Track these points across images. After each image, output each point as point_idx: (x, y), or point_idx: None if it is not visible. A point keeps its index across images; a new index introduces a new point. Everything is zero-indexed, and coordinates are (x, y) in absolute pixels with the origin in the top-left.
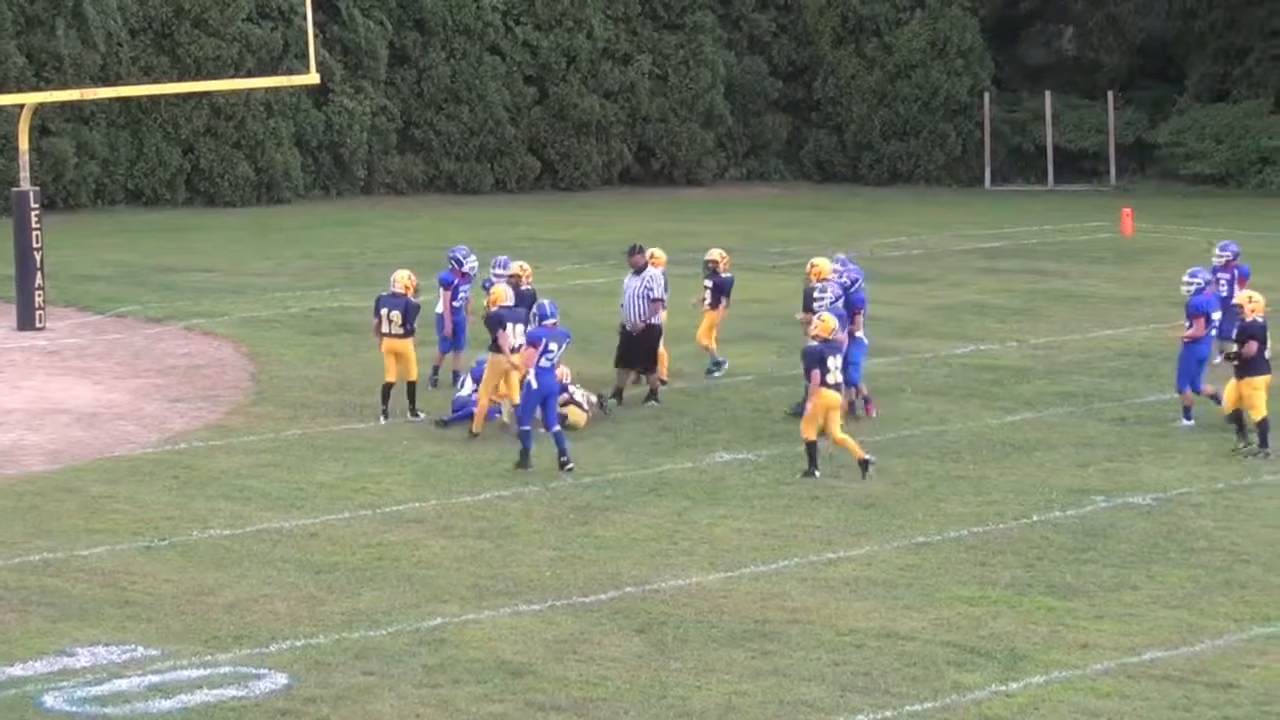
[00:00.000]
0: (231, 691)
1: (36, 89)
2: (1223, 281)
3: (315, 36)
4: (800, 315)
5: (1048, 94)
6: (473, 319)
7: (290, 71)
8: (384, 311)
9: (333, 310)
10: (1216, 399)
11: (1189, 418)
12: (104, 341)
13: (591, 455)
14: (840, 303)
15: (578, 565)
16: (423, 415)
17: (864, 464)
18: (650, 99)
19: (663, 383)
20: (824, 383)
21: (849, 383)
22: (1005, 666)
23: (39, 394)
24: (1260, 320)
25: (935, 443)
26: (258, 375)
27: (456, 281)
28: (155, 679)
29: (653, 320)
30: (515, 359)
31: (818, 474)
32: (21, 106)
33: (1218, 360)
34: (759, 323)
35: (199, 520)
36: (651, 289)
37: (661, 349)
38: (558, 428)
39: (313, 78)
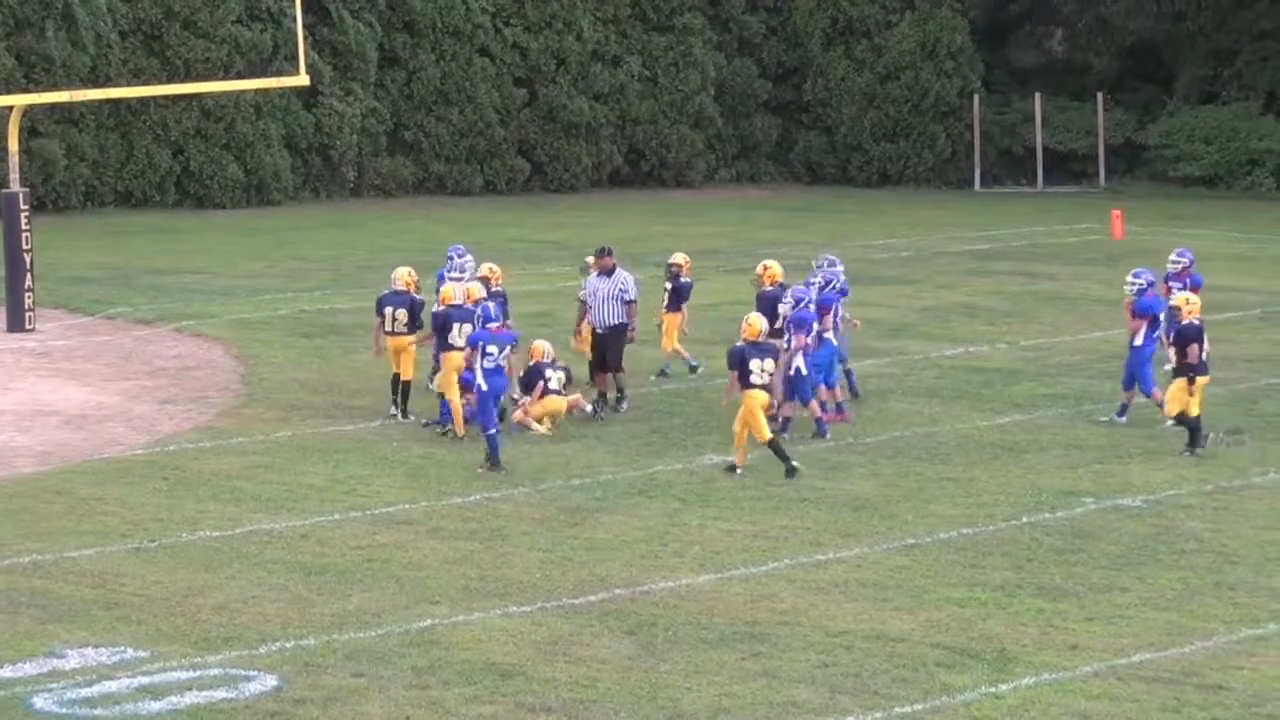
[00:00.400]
0: (221, 693)
1: (26, 90)
2: (1175, 290)
3: (305, 38)
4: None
5: (1037, 96)
6: None
7: (280, 73)
8: (388, 310)
9: (322, 312)
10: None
11: (1122, 415)
12: (94, 343)
13: (582, 457)
14: (810, 305)
15: (568, 567)
16: (413, 417)
17: (732, 468)
18: (640, 101)
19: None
20: (750, 383)
21: (826, 385)
22: (995, 668)
23: (29, 395)
24: (1196, 322)
25: (925, 444)
26: (247, 377)
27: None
28: (145, 680)
29: (628, 321)
30: (458, 357)
31: (796, 464)
32: (11, 108)
33: (1168, 367)
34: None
35: (189, 522)
36: (626, 291)
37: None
38: (493, 430)
39: (302, 80)
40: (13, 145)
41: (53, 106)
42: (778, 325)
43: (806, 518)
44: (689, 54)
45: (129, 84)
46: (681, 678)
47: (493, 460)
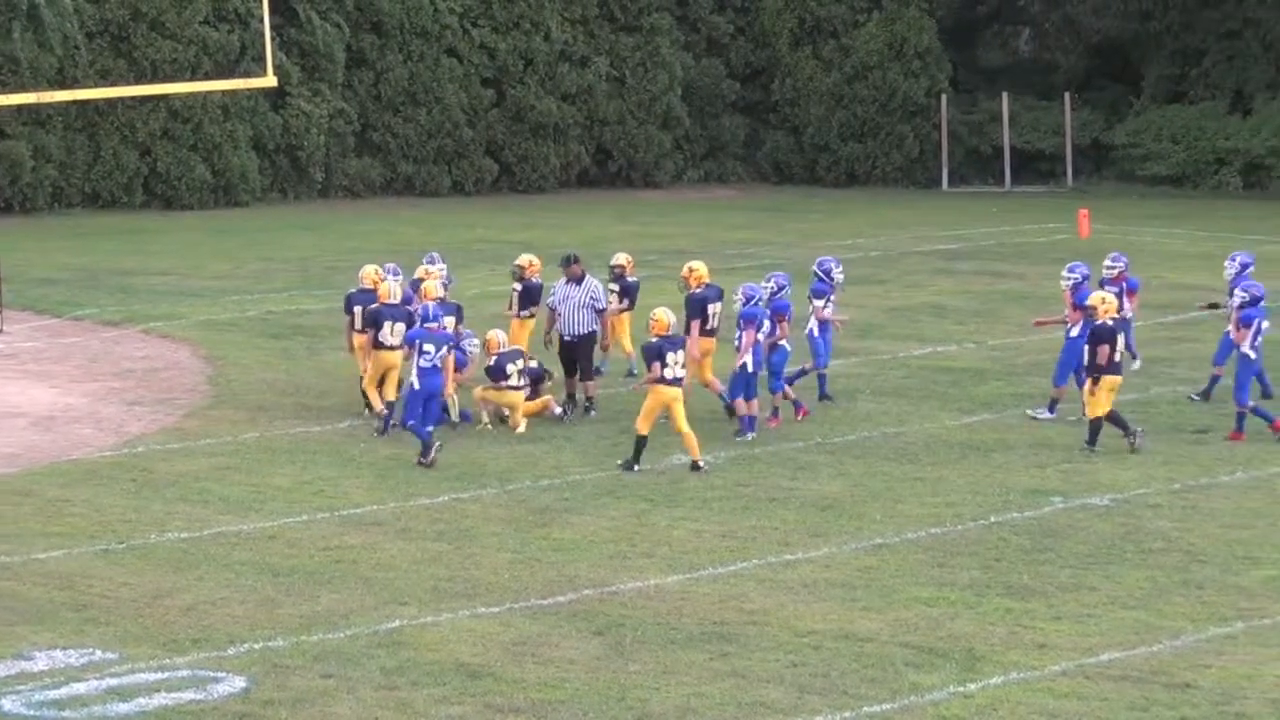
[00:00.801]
0: (189, 695)
1: None
2: (1112, 293)
3: (272, 39)
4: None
5: (1004, 95)
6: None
7: (247, 74)
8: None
9: (290, 313)
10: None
11: (1053, 411)
12: (61, 345)
13: (550, 458)
14: (759, 302)
15: (536, 567)
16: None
17: (695, 466)
18: (608, 101)
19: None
20: (663, 378)
21: (771, 390)
22: (963, 667)
23: None
24: (1109, 323)
25: (893, 444)
26: (215, 378)
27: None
28: (113, 682)
29: (598, 329)
30: (394, 356)
31: (637, 469)
32: None
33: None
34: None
35: (156, 523)
36: (598, 300)
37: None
38: (430, 429)
39: (270, 80)
40: None
41: (19, 108)
42: (710, 326)
43: (775, 518)
44: (657, 54)
45: (96, 85)
46: (650, 678)
47: (424, 451)
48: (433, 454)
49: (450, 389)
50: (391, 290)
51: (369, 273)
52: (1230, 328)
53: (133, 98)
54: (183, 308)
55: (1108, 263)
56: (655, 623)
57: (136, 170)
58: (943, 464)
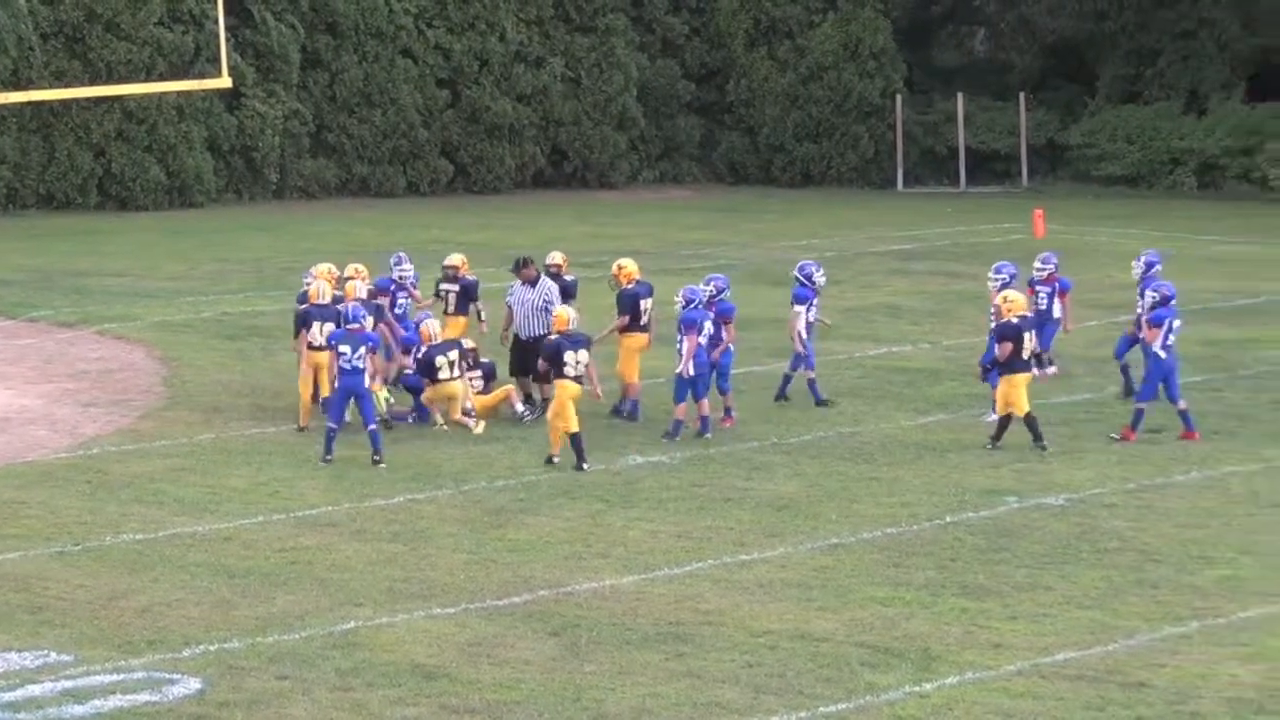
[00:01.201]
0: (145, 696)
1: None
2: (1042, 295)
3: (227, 40)
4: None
5: (960, 96)
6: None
7: (202, 75)
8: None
9: (245, 314)
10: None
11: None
12: (16, 346)
13: (506, 458)
14: (700, 305)
15: (491, 568)
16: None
17: (549, 459)
18: (563, 102)
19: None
20: (562, 374)
21: (721, 391)
22: (919, 667)
23: None
24: (1015, 321)
25: (848, 444)
26: (170, 379)
27: (394, 289)
28: (68, 684)
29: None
30: (322, 356)
31: (586, 467)
32: None
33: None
34: (666, 325)
35: (112, 525)
36: (552, 302)
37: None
38: (373, 426)
39: (224, 81)
40: None
41: None
42: (643, 322)
43: (730, 518)
44: (612, 55)
45: (50, 86)
46: (605, 679)
47: (326, 449)
48: (329, 456)
49: (375, 386)
50: (321, 291)
51: (322, 271)
52: (1141, 330)
53: (87, 99)
54: (138, 309)
55: (1037, 263)
56: (610, 623)
57: (91, 171)
58: (898, 464)
